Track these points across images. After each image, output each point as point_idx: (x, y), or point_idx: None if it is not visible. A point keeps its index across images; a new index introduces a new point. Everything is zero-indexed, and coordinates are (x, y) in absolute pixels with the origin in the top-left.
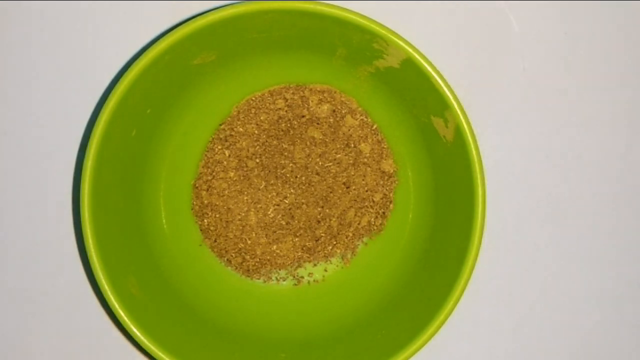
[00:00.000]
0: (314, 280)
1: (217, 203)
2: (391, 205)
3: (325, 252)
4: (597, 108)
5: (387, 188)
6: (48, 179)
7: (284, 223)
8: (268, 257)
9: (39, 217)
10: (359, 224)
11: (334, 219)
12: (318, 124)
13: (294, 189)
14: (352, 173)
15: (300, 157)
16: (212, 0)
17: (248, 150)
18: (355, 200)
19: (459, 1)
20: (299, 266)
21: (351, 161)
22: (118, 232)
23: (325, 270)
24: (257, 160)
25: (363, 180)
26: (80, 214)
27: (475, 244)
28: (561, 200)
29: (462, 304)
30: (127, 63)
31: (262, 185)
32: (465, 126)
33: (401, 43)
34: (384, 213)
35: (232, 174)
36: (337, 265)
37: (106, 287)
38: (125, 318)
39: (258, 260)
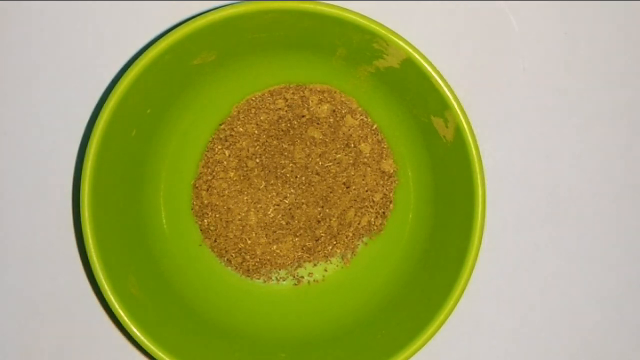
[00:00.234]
0: (314, 280)
1: (217, 203)
2: (391, 205)
3: (325, 252)
4: (597, 108)
5: (387, 188)
6: (48, 179)
7: (284, 223)
8: (268, 257)
9: (39, 217)
10: (359, 224)
11: (334, 219)
12: (318, 124)
13: (294, 189)
14: (352, 173)
15: (300, 157)
16: (212, 0)
17: (248, 150)
18: (355, 200)
19: (459, 1)
20: (299, 266)
21: (351, 161)
22: (118, 232)
23: (325, 270)
24: (257, 160)
25: (363, 180)
26: (80, 214)
27: (475, 244)
28: (561, 200)
29: (462, 304)
30: (127, 63)
31: (262, 185)
32: (465, 126)
33: (401, 43)
34: (384, 213)
35: (232, 174)
36: (337, 265)
37: (106, 287)
38: (125, 318)
39: (258, 260)
